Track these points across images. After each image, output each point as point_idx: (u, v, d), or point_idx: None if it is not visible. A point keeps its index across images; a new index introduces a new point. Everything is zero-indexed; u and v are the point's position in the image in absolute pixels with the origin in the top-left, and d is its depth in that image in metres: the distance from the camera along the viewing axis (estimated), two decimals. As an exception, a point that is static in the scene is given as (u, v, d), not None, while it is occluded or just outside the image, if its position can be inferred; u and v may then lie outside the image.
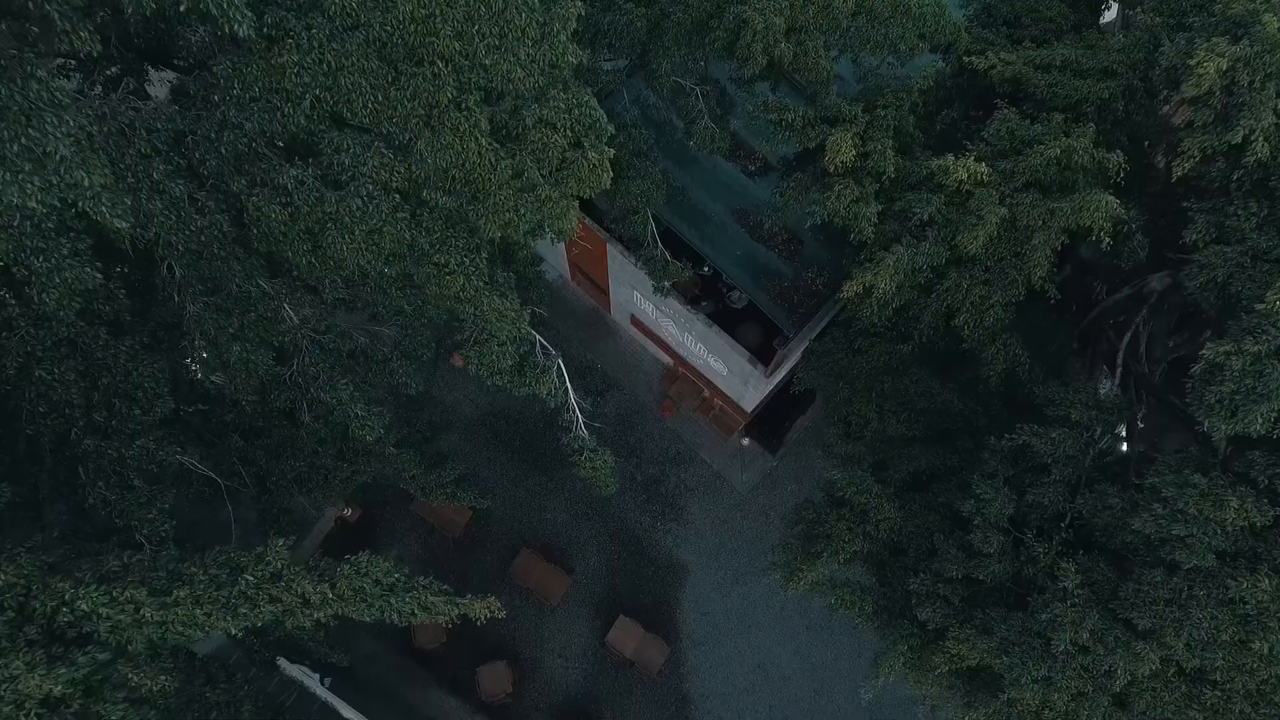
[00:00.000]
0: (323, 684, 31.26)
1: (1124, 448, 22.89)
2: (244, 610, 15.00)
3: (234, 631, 15.20)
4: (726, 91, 24.33)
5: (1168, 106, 22.08)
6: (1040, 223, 20.02)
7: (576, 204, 16.48)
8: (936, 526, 21.90)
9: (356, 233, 15.32)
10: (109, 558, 15.02)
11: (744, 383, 29.81)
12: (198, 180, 15.87)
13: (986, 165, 20.19)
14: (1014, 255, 21.00)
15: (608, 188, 15.89)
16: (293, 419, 20.86)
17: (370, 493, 31.96)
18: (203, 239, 16.25)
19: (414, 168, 15.45)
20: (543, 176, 15.63)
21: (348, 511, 32.14)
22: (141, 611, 14.36)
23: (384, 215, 15.26)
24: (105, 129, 14.41)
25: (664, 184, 22.90)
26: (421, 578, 16.79)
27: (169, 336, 18.28)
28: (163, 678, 16.38)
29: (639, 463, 33.17)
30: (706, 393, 32.67)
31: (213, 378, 18.52)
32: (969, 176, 20.13)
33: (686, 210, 26.90)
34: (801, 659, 32.07)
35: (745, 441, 33.48)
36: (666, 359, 33.32)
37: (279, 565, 15.44)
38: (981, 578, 20.36)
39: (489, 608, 17.24)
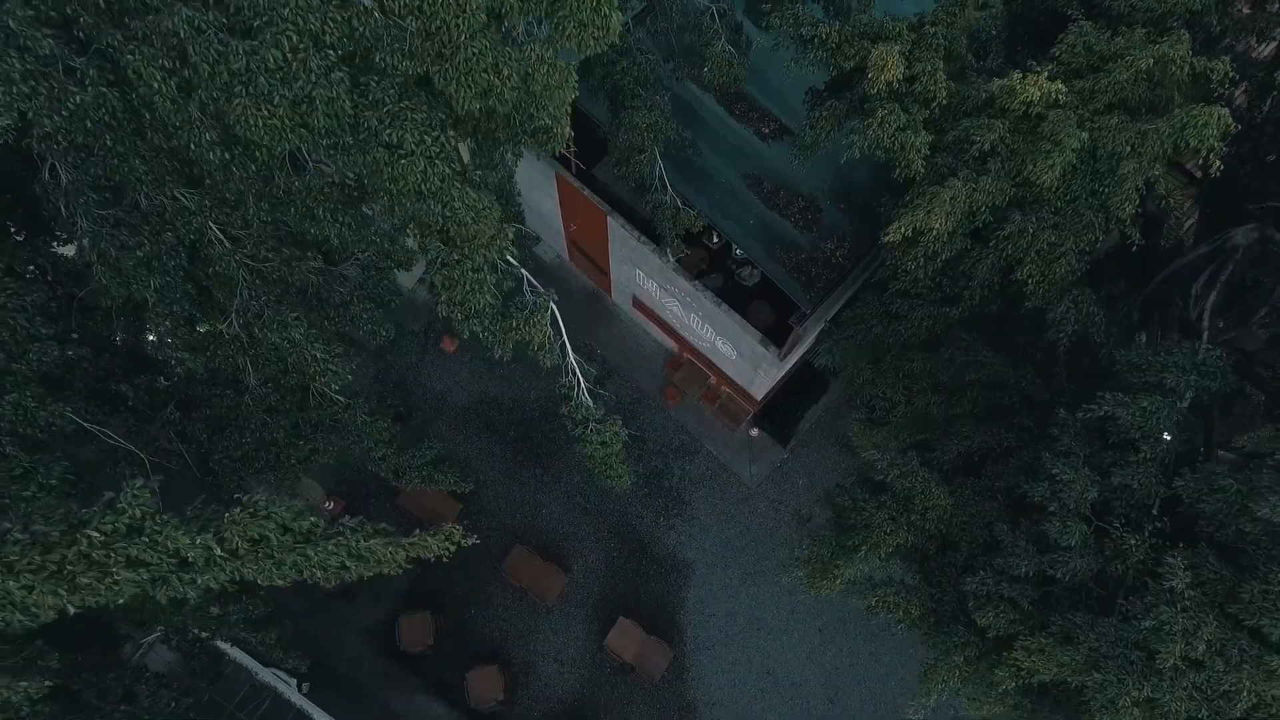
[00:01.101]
0: (299, 690, 25.99)
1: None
2: (88, 580, 9.70)
3: (72, 610, 9.89)
4: (743, 27, 19.37)
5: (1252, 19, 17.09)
6: (1129, 149, 14.91)
7: (574, 78, 11.33)
8: (996, 516, 16.66)
9: (276, 100, 10.12)
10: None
11: (754, 367, 24.63)
12: (77, 44, 10.77)
13: (1062, 83, 15.16)
14: (1090, 194, 15.89)
15: (616, 40, 10.72)
16: (236, 385, 15.62)
17: (353, 485, 26.76)
18: (88, 125, 11.05)
19: (356, 22, 10.32)
20: (528, 32, 10.50)
21: (329, 505, 26.81)
22: (-80, 588, 9.16)
23: (314, 76, 10.07)
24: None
25: (672, 119, 17.86)
26: (349, 518, 11.42)
27: (54, 268, 13.03)
28: (24, 685, 11.12)
29: (641, 454, 27.86)
30: (713, 379, 27.44)
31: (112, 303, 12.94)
32: (1041, 97, 15.07)
33: (694, 175, 21.87)
34: (814, 664, 26.70)
35: (754, 432, 28.19)
36: (670, 343, 28.11)
37: (138, 514, 10.08)
38: (1058, 576, 15.12)
39: (449, 538, 11.87)
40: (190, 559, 10.13)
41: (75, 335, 15.22)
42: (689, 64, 20.05)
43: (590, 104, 21.21)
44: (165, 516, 10.12)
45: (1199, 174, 25.15)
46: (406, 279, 27.16)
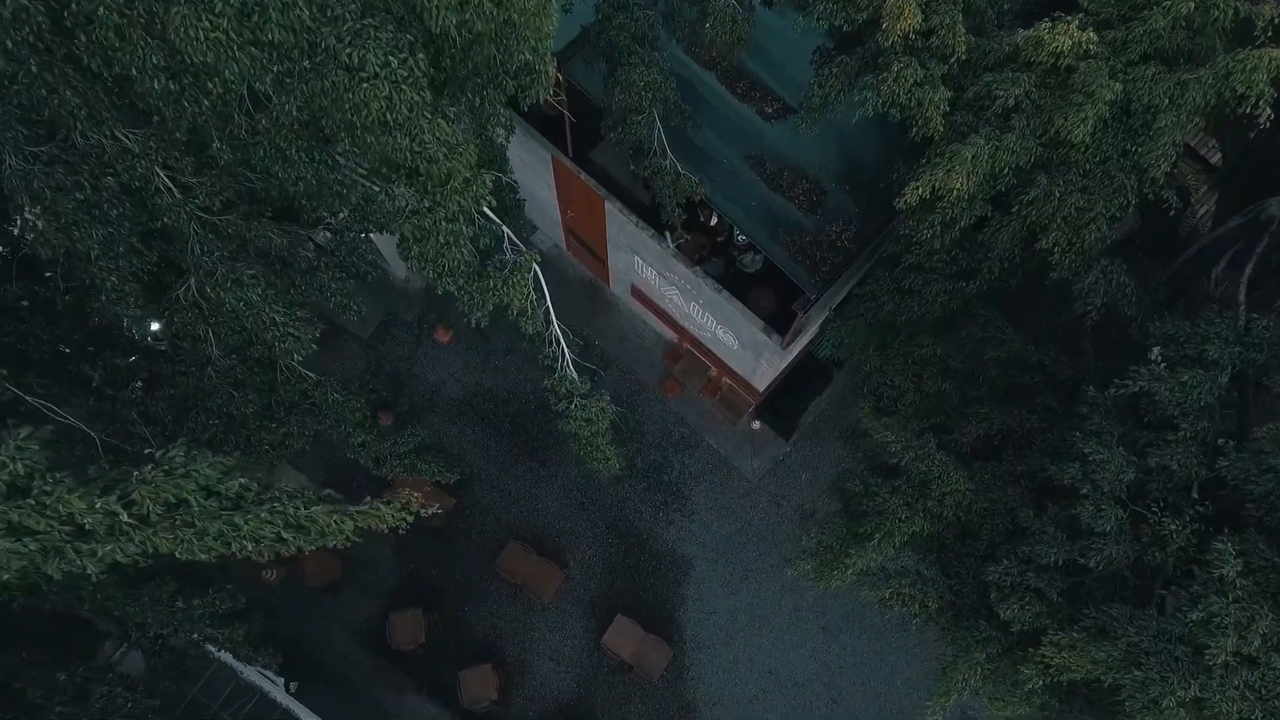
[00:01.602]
0: (287, 689, 24.23)
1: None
2: None
3: None
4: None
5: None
6: (1167, 100, 13.26)
7: (554, 6, 9.70)
8: (1019, 501, 14.93)
9: (219, 8, 8.48)
10: None
11: (757, 357, 22.91)
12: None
13: (1094, 33, 13.51)
14: (1121, 154, 14.21)
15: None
16: (200, 363, 13.89)
17: (341, 478, 24.98)
18: (8, 47, 9.42)
19: (313, -78, 8.68)
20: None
21: (318, 499, 25.07)
22: None
23: (261, -22, 8.46)
24: None
25: (671, 78, 16.23)
26: (288, 484, 9.54)
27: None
28: None
29: (639, 448, 26.14)
30: (714, 370, 25.73)
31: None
32: (1072, 47, 13.43)
33: (694, 155, 20.20)
34: (816, 663, 24.94)
35: (756, 425, 26.44)
36: (670, 334, 26.40)
37: (22, 471, 8.24)
38: (1091, 565, 13.37)
39: (405, 507, 9.87)
40: (90, 527, 8.34)
41: (25, 303, 13.61)
42: (689, 29, 18.44)
43: (586, 80, 19.66)
44: (57, 476, 8.31)
45: (1214, 159, 23.61)
46: (400, 269, 25.51)
